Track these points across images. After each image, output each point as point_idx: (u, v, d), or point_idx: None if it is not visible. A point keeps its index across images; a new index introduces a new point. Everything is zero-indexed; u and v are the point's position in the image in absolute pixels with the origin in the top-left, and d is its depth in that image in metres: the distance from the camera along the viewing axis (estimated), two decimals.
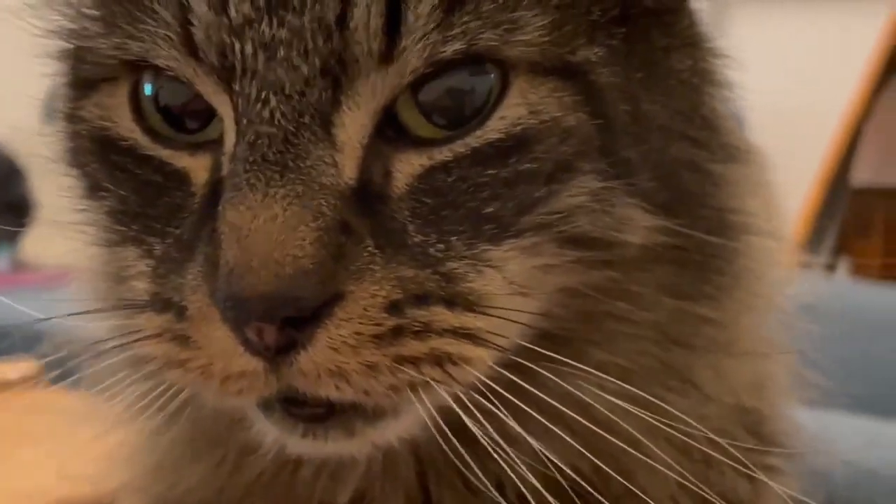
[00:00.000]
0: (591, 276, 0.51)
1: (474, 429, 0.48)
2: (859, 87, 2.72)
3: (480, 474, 0.52)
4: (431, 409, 0.48)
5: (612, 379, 0.51)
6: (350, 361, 0.46)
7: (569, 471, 0.52)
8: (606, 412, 0.50)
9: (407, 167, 0.49)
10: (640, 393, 0.51)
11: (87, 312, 0.57)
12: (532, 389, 0.49)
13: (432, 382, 0.47)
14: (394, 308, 0.47)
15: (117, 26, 0.51)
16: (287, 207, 0.46)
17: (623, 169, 0.50)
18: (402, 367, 0.47)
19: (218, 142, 0.50)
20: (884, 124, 2.69)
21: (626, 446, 0.51)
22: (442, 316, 0.47)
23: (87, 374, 0.58)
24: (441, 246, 0.48)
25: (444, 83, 0.48)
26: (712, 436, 0.53)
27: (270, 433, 0.52)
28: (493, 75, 0.48)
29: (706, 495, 0.54)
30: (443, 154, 0.48)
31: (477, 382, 0.48)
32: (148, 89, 0.52)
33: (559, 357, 0.50)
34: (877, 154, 2.67)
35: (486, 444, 0.48)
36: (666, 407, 0.51)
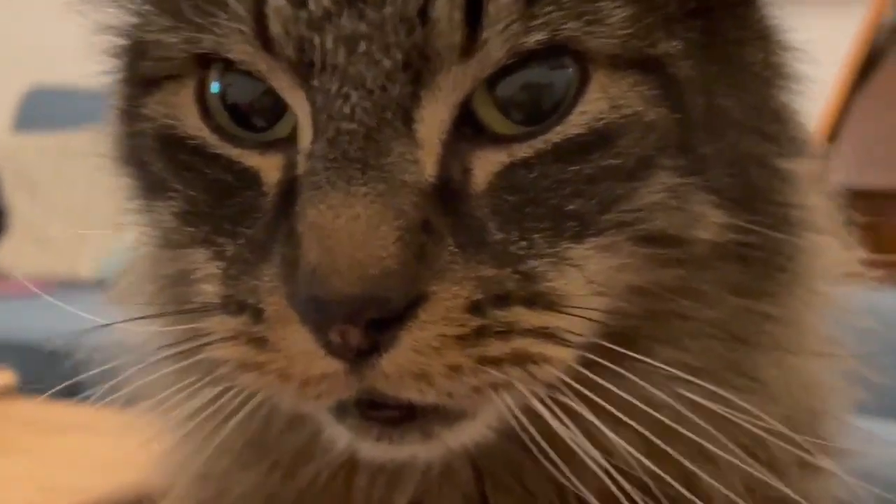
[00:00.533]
0: (660, 275, 0.51)
1: (559, 429, 0.47)
2: (836, 90, 2.75)
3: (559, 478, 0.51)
4: (514, 408, 0.47)
5: (678, 373, 0.50)
6: (433, 363, 0.46)
7: (640, 473, 0.51)
8: (674, 411, 0.50)
9: (486, 164, 0.48)
10: (708, 390, 0.50)
11: (145, 318, 0.55)
12: (608, 385, 0.48)
13: (516, 383, 0.47)
14: (476, 309, 0.46)
15: (186, 20, 0.50)
16: (369, 206, 0.45)
17: (698, 164, 0.50)
18: (485, 369, 0.46)
19: (288, 140, 0.49)
20: (861, 127, 2.72)
21: (690, 448, 0.51)
22: (523, 316, 0.47)
23: (131, 384, 0.57)
24: (523, 244, 0.47)
25: (523, 77, 0.47)
26: (782, 432, 0.52)
27: (342, 438, 0.51)
28: (571, 69, 0.48)
29: (770, 499, 0.53)
30: (523, 151, 0.48)
31: (554, 381, 0.48)
32: (215, 87, 0.51)
33: (630, 353, 0.49)
34: (854, 156, 2.69)
35: (572, 444, 0.48)
36: (733, 405, 0.50)
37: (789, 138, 0.54)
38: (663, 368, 0.50)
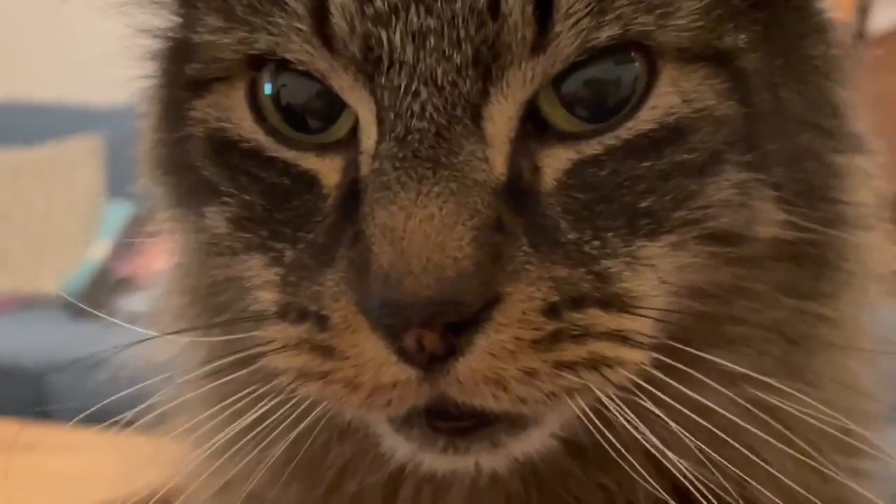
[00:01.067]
0: (718, 274, 0.49)
1: (635, 432, 0.46)
2: None
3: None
4: (588, 412, 0.46)
5: (744, 371, 0.49)
6: (509, 368, 0.44)
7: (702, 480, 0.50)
8: (729, 416, 0.48)
9: (555, 162, 0.46)
10: (763, 396, 0.49)
11: (184, 332, 0.53)
12: (678, 385, 0.47)
13: (592, 386, 0.45)
14: (551, 311, 0.44)
15: (240, 20, 0.48)
16: (443, 206, 0.43)
17: (762, 160, 0.49)
18: (561, 373, 0.45)
19: (346, 141, 0.48)
20: None
21: (746, 453, 0.49)
22: (599, 318, 0.45)
23: (162, 405, 0.55)
24: (597, 243, 0.46)
25: (589, 73, 0.46)
26: (838, 437, 0.51)
27: (402, 449, 0.49)
28: (638, 63, 0.47)
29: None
30: (591, 147, 0.46)
31: (626, 383, 0.47)
32: (268, 88, 0.49)
33: (698, 353, 0.48)
34: None
35: (647, 446, 0.47)
36: (788, 411, 0.49)
37: (845, 133, 0.53)
38: (726, 366, 0.48)
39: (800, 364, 0.53)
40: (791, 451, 0.50)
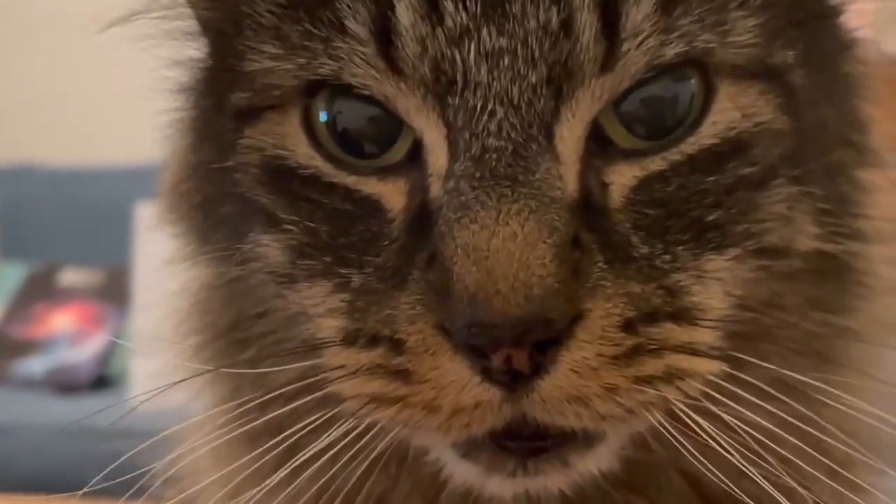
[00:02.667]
0: (761, 289, 0.50)
1: (714, 437, 0.46)
2: None
3: None
4: (665, 424, 0.46)
5: (772, 392, 0.49)
6: (591, 385, 0.44)
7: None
8: (768, 429, 0.49)
9: (621, 178, 0.47)
10: (797, 409, 0.49)
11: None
12: (742, 394, 0.48)
13: (670, 398, 0.46)
14: (628, 326, 0.45)
15: (298, 46, 0.48)
16: (524, 224, 0.43)
17: (806, 175, 0.50)
18: (640, 388, 0.45)
19: (406, 164, 0.48)
20: None
21: (780, 465, 0.50)
22: (673, 332, 0.46)
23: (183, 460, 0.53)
24: (667, 257, 0.46)
25: (647, 91, 0.47)
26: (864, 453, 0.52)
27: (467, 474, 0.49)
28: (693, 80, 0.48)
29: None
30: (655, 164, 0.47)
31: (698, 395, 0.47)
32: (323, 116, 0.49)
33: (753, 360, 0.48)
34: None
35: (728, 449, 0.47)
36: (822, 424, 0.50)
37: (870, 149, 0.55)
38: (773, 371, 0.49)
39: (829, 377, 0.53)
40: (825, 462, 0.51)
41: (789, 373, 0.50)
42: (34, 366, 2.74)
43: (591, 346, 0.44)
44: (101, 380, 2.65)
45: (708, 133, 0.47)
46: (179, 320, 0.58)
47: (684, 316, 0.46)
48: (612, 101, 0.47)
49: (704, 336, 0.47)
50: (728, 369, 0.48)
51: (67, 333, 2.80)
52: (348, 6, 0.47)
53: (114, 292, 2.81)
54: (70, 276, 2.92)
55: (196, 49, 0.54)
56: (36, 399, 2.54)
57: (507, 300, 0.42)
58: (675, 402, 0.46)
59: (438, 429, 0.46)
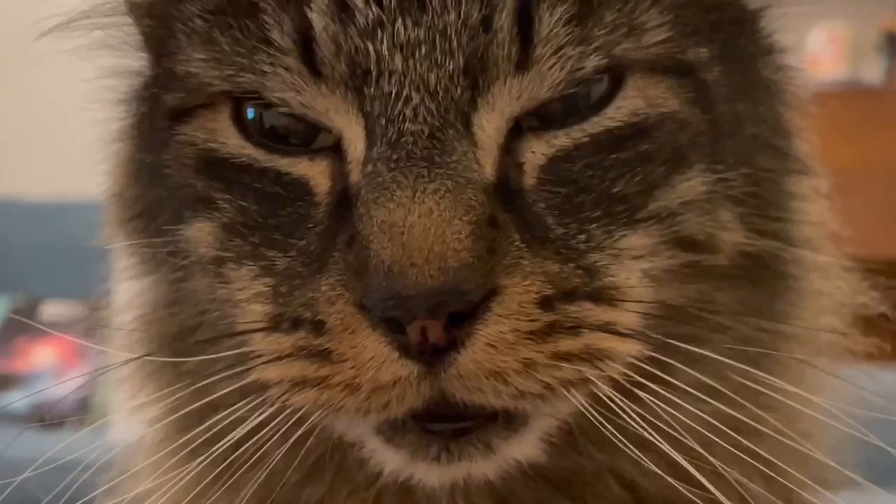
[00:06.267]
0: (687, 288, 0.51)
1: (634, 424, 0.47)
2: None
3: None
4: (587, 405, 0.47)
5: (704, 388, 0.49)
6: (509, 360, 0.45)
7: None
8: (703, 433, 0.49)
9: (533, 158, 0.48)
10: (732, 414, 0.50)
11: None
12: (664, 376, 0.48)
13: (589, 376, 0.46)
14: (545, 304, 0.46)
15: (223, 54, 0.50)
16: (440, 201, 0.45)
17: (725, 174, 0.51)
18: (558, 364, 0.46)
19: (331, 150, 0.49)
20: None
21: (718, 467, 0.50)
22: (590, 311, 0.47)
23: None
24: (582, 237, 0.48)
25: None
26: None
27: (393, 462, 0.50)
28: (605, 78, 0.49)
29: None
30: (559, 139, 0.48)
31: (617, 376, 0.48)
32: (251, 113, 0.51)
33: (684, 345, 0.49)
34: None
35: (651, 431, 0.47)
36: (759, 429, 0.50)
37: (795, 156, 0.56)
38: (707, 369, 0.50)
39: (763, 380, 0.53)
40: (760, 467, 0.51)
41: (728, 373, 0.50)
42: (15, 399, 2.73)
43: (508, 320, 0.45)
44: (83, 412, 2.64)
45: (611, 115, 0.49)
46: (130, 335, 0.59)
47: (603, 296, 0.47)
48: (536, 108, 0.48)
49: (624, 317, 0.48)
50: (658, 354, 0.48)
51: (49, 367, 2.79)
52: (273, 19, 0.48)
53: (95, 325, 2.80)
54: (51, 310, 2.91)
55: (134, 59, 0.56)
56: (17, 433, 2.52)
57: (421, 271, 0.43)
58: (597, 382, 0.47)
59: (358, 410, 0.46)
